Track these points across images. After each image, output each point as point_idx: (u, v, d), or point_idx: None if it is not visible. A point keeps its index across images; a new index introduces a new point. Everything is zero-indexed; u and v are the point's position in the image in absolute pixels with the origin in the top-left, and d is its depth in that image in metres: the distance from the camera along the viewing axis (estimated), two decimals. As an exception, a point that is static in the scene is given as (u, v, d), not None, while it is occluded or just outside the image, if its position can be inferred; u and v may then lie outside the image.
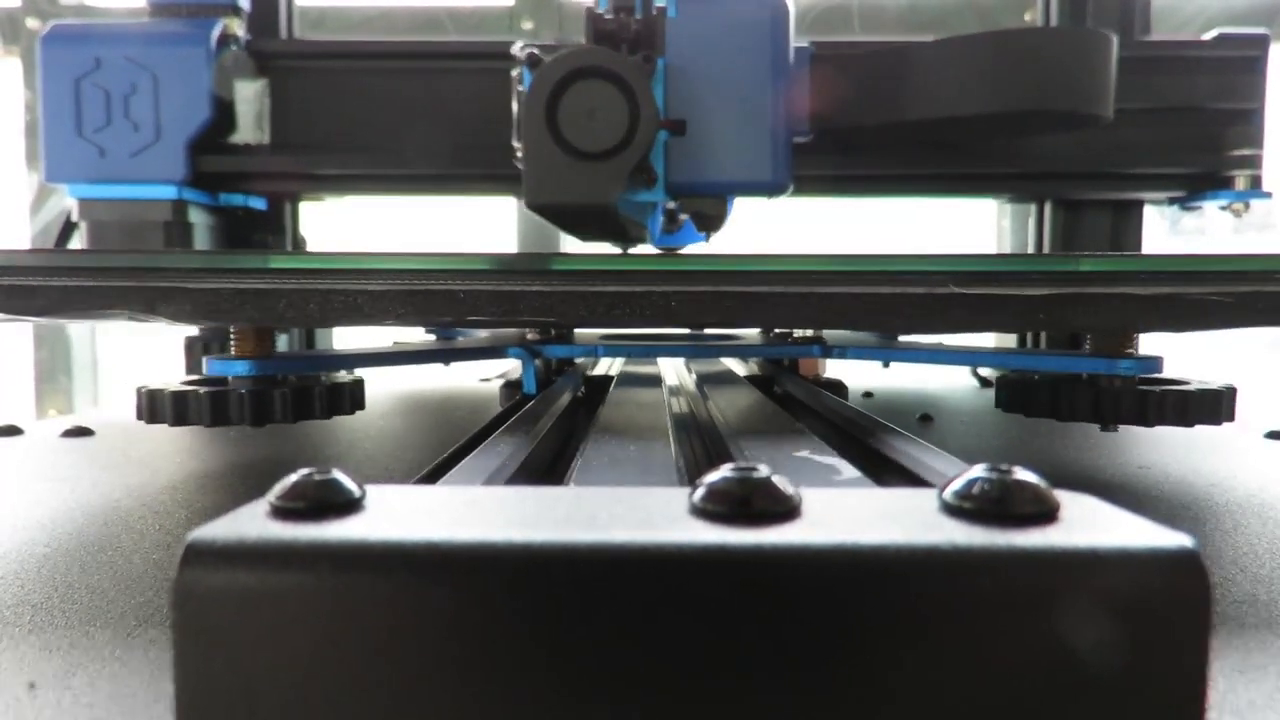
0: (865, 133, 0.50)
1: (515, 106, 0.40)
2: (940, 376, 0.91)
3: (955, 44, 0.46)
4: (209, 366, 0.43)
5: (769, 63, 0.42)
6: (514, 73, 0.41)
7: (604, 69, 0.37)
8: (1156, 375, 0.42)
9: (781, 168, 0.43)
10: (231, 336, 0.43)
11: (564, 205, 0.39)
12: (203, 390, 0.40)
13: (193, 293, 0.32)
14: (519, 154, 0.39)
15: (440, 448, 0.36)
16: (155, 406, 0.41)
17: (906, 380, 0.89)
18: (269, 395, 0.41)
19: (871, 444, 0.36)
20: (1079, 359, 0.43)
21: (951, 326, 0.32)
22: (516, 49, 0.40)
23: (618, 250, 0.57)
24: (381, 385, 0.84)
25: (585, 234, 0.46)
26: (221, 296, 0.32)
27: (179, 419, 0.40)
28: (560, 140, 0.38)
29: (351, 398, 0.45)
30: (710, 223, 0.46)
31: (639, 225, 0.45)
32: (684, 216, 0.52)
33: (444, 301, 0.32)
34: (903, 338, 0.57)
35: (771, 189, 0.44)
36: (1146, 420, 0.40)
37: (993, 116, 0.46)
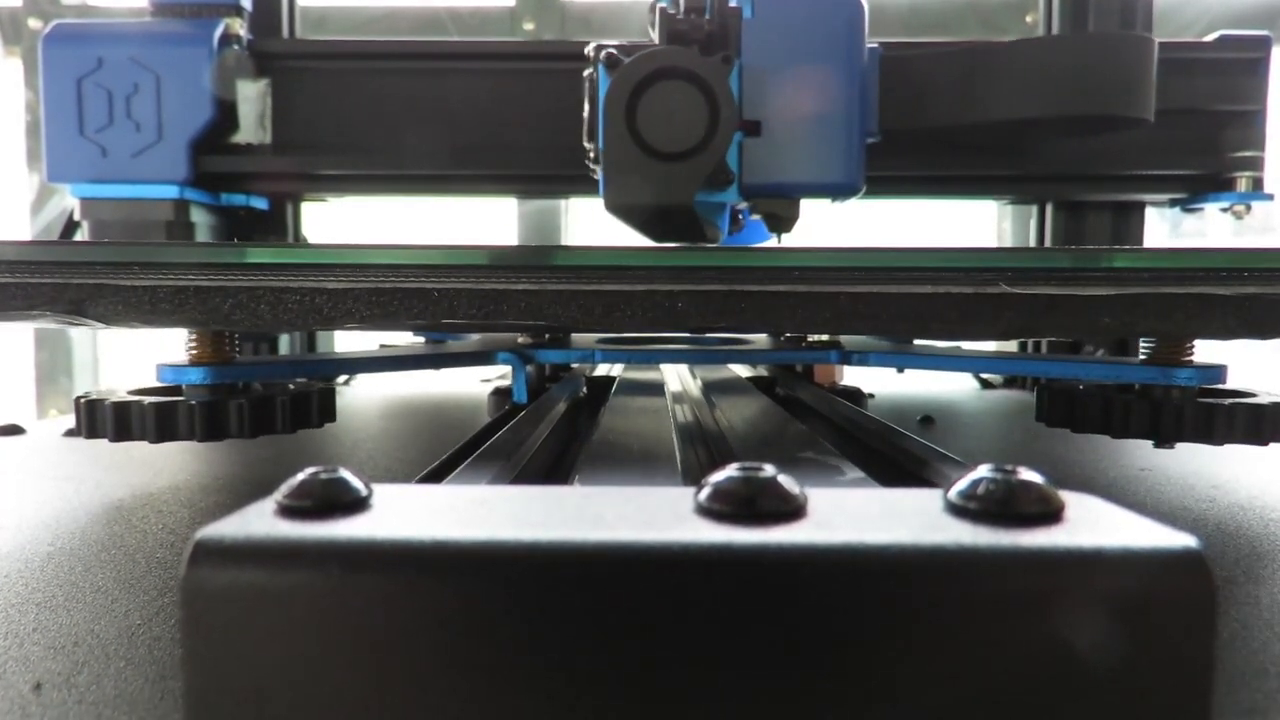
0: (931, 134, 0.50)
1: (587, 108, 0.40)
2: (940, 378, 0.91)
3: (1021, 47, 0.47)
4: (160, 374, 0.39)
5: (844, 63, 0.42)
6: (586, 73, 0.40)
7: (684, 70, 0.36)
8: (1218, 386, 0.39)
9: (855, 169, 0.43)
10: (188, 340, 0.39)
11: (643, 206, 0.38)
12: (147, 401, 0.37)
13: (125, 290, 0.28)
14: (591, 155, 0.39)
15: (431, 456, 0.35)
16: (94, 419, 0.37)
17: (907, 382, 0.88)
18: (223, 407, 0.37)
19: (876, 446, 0.35)
20: (1131, 368, 0.40)
21: (1000, 331, 0.29)
22: (590, 49, 0.40)
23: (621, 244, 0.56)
24: (378, 388, 0.84)
25: (660, 235, 0.47)
26: (159, 295, 0.28)
27: (120, 434, 0.36)
28: (639, 141, 0.37)
29: (320, 408, 0.41)
30: (782, 224, 0.46)
31: (714, 225, 0.45)
32: (755, 216, 0.51)
33: (416, 302, 0.28)
34: (920, 341, 0.56)
35: (845, 190, 0.43)
36: (1213, 437, 0.36)
37: (1052, 120, 0.46)
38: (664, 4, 0.39)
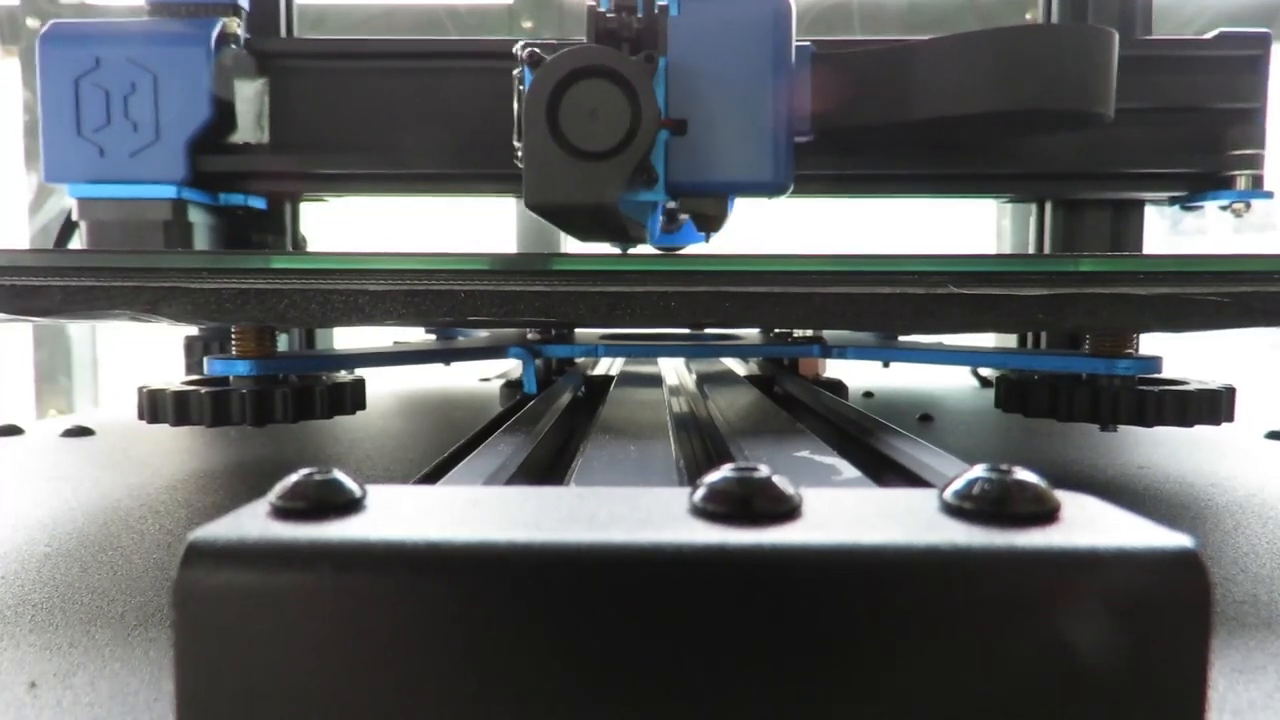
0: (868, 133, 0.49)
1: (516, 106, 0.40)
2: (940, 376, 0.91)
3: (958, 42, 0.46)
4: (210, 366, 0.43)
5: (770, 62, 0.42)
6: (515, 72, 0.40)
7: (605, 68, 0.36)
8: (1156, 375, 0.43)
9: (783, 167, 0.43)
10: (232, 336, 0.43)
11: (564, 205, 0.38)
12: (204, 390, 0.41)
13: (194, 293, 0.32)
14: (519, 154, 0.39)
15: (440, 448, 0.36)
16: (156, 406, 0.41)
17: (906, 380, 0.89)
18: (270, 395, 0.41)
19: (872, 444, 0.36)
20: (1078, 359, 0.43)
21: (950, 327, 0.33)
22: (518, 48, 0.40)
23: (617, 250, 0.57)
24: (381, 385, 0.84)
25: (585, 234, 0.46)
26: (224, 296, 0.32)
27: (180, 419, 0.41)
28: (561, 140, 0.37)
29: (353, 397, 0.45)
30: (710, 222, 0.46)
31: (639, 225, 0.45)
32: (684, 216, 0.52)
33: (445, 302, 0.32)
34: (903, 337, 0.57)
35: (772, 189, 0.44)
36: (1145, 420, 0.40)
37: (995, 116, 0.46)
38: (592, 2, 0.39)
